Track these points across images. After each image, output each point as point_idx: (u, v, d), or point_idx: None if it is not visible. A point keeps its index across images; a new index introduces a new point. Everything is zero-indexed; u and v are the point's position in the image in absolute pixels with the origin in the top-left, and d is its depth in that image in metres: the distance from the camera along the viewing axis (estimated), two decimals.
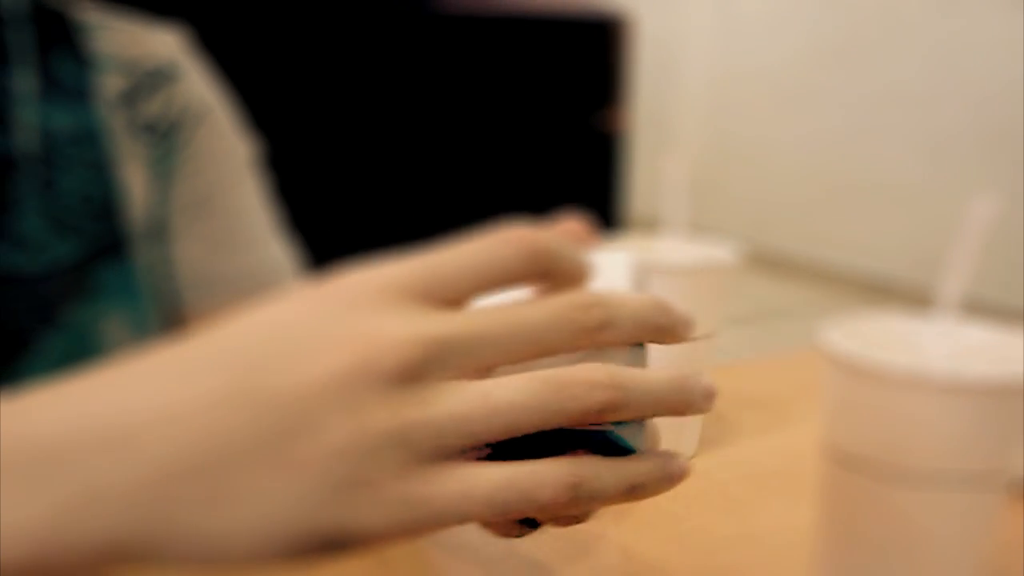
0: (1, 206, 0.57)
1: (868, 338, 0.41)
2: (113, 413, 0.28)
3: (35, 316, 0.58)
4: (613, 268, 0.35)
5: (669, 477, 0.32)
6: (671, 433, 0.36)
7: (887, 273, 3.61)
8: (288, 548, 0.27)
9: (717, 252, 0.59)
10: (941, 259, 0.39)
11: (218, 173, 0.67)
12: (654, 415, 0.32)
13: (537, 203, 1.12)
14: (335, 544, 0.28)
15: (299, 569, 0.28)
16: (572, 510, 0.30)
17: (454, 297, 0.31)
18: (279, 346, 0.29)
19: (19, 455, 0.28)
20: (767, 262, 4.13)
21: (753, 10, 4.12)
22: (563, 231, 0.35)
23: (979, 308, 0.41)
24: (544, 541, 0.51)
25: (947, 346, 0.40)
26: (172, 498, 0.27)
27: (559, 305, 0.30)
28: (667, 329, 0.33)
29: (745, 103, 4.21)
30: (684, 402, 0.32)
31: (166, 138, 0.65)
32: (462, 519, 0.28)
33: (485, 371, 0.30)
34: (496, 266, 0.31)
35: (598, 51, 1.09)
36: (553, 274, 0.32)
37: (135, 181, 0.63)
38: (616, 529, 0.53)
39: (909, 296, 3.15)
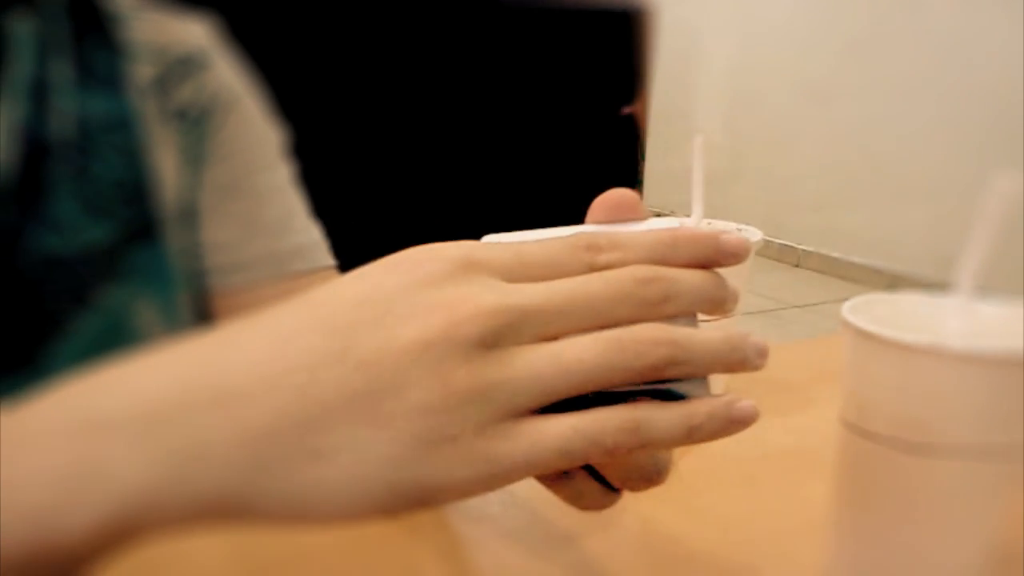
0: (36, 191, 0.58)
1: (889, 314, 0.42)
2: (217, 374, 0.30)
3: (69, 297, 0.59)
4: None
5: (730, 418, 0.33)
6: None
7: (904, 268, 3.60)
8: (376, 502, 0.29)
9: (743, 230, 0.61)
10: (959, 254, 0.40)
11: (249, 157, 0.68)
12: (711, 371, 0.33)
13: (556, 192, 1.12)
14: (420, 498, 0.29)
15: (384, 524, 0.30)
16: (638, 455, 0.33)
17: (531, 280, 0.33)
18: (371, 311, 0.31)
19: (130, 413, 0.29)
20: (783, 255, 4.12)
21: (773, 4, 4.11)
22: (613, 198, 0.37)
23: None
24: (565, 513, 0.52)
25: (965, 322, 0.41)
26: (272, 454, 0.29)
27: (623, 280, 0.33)
28: (720, 302, 0.35)
29: (763, 96, 4.20)
30: (739, 359, 0.34)
31: (197, 124, 0.66)
32: (537, 468, 0.30)
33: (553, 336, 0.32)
34: (574, 268, 0.33)
35: (621, 41, 1.09)
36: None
37: (167, 166, 0.64)
38: (635, 503, 0.54)
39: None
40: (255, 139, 0.69)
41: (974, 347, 0.37)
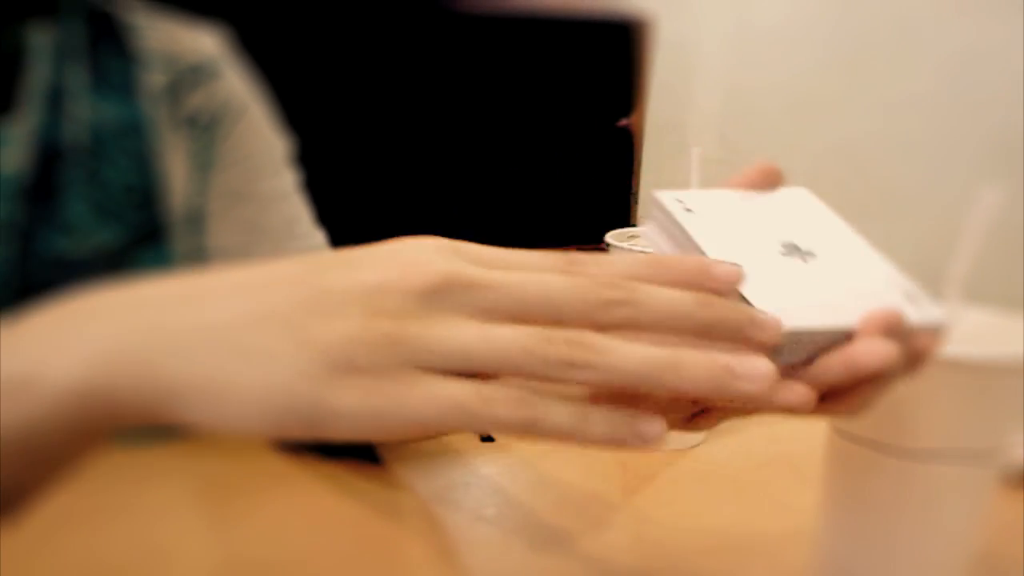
0: (49, 194, 0.60)
1: None
2: (199, 282, 0.34)
3: None
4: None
5: (630, 432, 0.32)
6: None
7: None
8: (276, 414, 0.31)
9: None
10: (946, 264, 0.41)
11: (255, 164, 0.69)
12: (627, 386, 0.32)
13: (552, 202, 1.14)
14: (312, 418, 0.31)
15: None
16: (525, 434, 0.32)
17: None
18: (347, 259, 0.34)
19: (116, 301, 0.33)
20: None
21: (768, 18, 4.13)
22: (758, 170, 0.42)
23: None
24: (557, 516, 0.54)
25: (952, 330, 0.42)
26: (210, 344, 0.32)
27: (585, 281, 0.33)
28: (703, 323, 0.33)
29: (757, 112, 4.22)
30: (659, 382, 0.32)
31: (206, 131, 0.67)
32: (428, 421, 0.31)
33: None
34: (543, 291, 0.33)
35: (619, 53, 1.11)
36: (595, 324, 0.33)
37: (176, 171, 0.66)
38: (628, 507, 0.55)
39: None
40: (262, 147, 0.70)
41: (957, 354, 0.39)
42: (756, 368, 0.31)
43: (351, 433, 0.31)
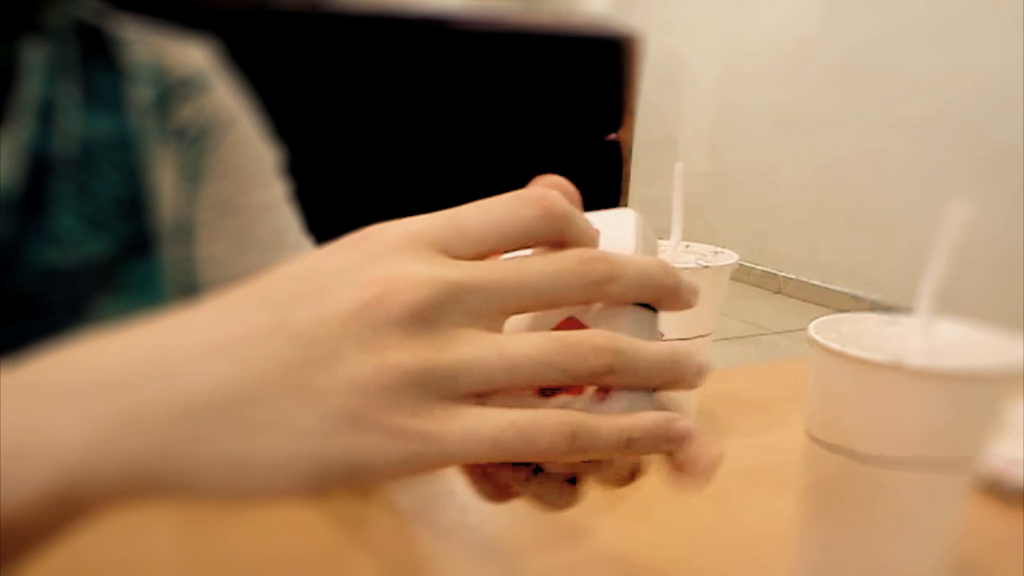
0: (38, 206, 0.60)
1: (852, 333, 0.44)
2: (158, 345, 0.30)
3: (67, 309, 0.61)
4: (621, 225, 0.37)
5: (667, 435, 0.33)
6: None
7: (882, 296, 3.64)
8: (305, 479, 0.29)
9: (719, 253, 0.64)
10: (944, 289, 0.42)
11: (244, 176, 0.70)
12: (650, 385, 0.34)
13: None
14: (347, 475, 0.29)
15: (311, 503, 0.29)
16: (570, 457, 0.31)
17: (475, 251, 0.33)
18: (311, 285, 0.31)
19: (75, 380, 0.29)
20: (764, 282, 4.16)
21: (758, 36, 4.16)
22: (554, 186, 0.36)
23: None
24: (540, 524, 0.54)
25: (924, 341, 0.43)
26: (206, 425, 0.29)
27: (566, 258, 0.33)
28: (672, 290, 0.34)
29: (746, 125, 4.25)
30: (677, 375, 0.34)
31: (195, 143, 0.68)
32: (467, 457, 0.30)
33: (497, 323, 0.32)
34: (516, 224, 0.33)
35: (608, 68, 1.12)
36: (566, 236, 0.34)
37: (164, 183, 0.66)
38: (608, 516, 0.56)
39: None
40: (251, 158, 0.71)
41: (931, 365, 0.40)
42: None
43: (389, 479, 0.30)
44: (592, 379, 0.32)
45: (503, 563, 0.51)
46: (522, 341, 0.31)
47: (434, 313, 0.30)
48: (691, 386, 0.34)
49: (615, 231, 0.37)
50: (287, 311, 0.30)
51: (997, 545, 0.54)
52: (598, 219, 0.37)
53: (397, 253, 0.31)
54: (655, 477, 0.61)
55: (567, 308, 0.34)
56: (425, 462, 0.30)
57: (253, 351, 0.29)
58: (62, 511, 0.29)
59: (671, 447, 0.33)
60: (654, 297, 0.34)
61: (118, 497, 0.29)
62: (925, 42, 3.49)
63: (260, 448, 0.29)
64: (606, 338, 0.32)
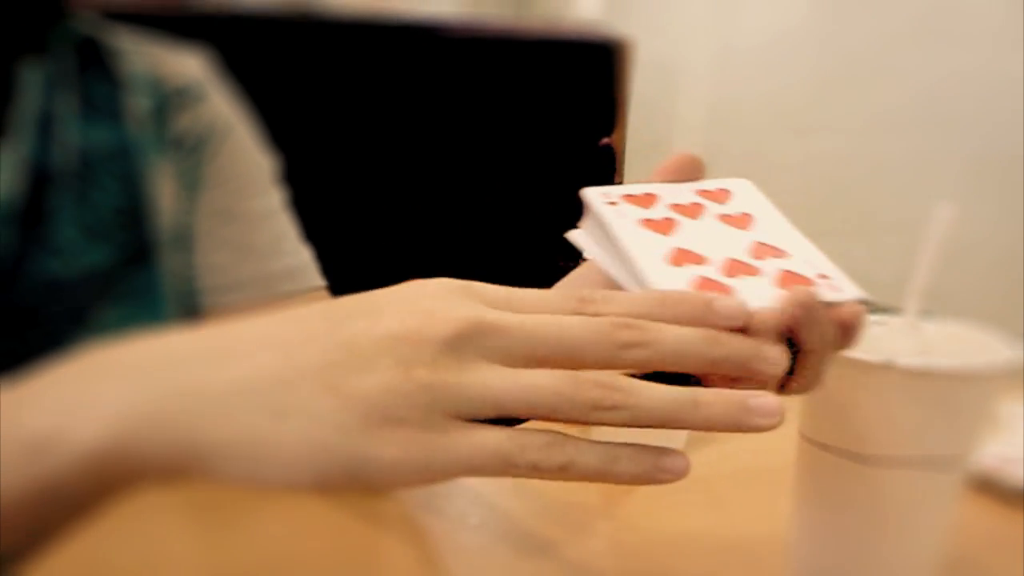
0: (39, 217, 0.61)
1: None
2: (223, 337, 0.35)
3: (68, 318, 0.62)
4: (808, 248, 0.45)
5: (656, 467, 0.34)
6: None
7: (877, 297, 3.65)
8: (318, 470, 0.32)
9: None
10: (932, 288, 0.43)
11: (242, 184, 0.71)
12: (652, 425, 0.34)
13: (533, 222, 1.15)
14: (357, 473, 0.32)
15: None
16: (561, 476, 0.33)
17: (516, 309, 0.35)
18: (368, 306, 0.35)
19: (138, 359, 0.34)
20: None
21: (750, 38, 4.17)
22: (679, 161, 0.44)
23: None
24: (541, 524, 0.55)
25: (913, 341, 0.44)
26: (242, 406, 0.32)
27: (600, 321, 0.34)
28: (713, 360, 0.34)
29: (740, 130, 4.26)
30: (681, 420, 0.34)
31: (193, 152, 0.68)
32: (470, 470, 0.32)
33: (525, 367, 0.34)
34: (564, 335, 0.34)
35: (600, 72, 1.13)
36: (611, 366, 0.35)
37: (163, 192, 0.67)
38: (609, 516, 0.56)
39: None
40: (248, 166, 0.72)
41: (921, 364, 0.41)
42: (769, 404, 0.33)
43: (394, 483, 0.32)
44: (596, 415, 0.33)
45: (503, 561, 0.51)
46: (535, 373, 0.33)
47: (463, 343, 0.33)
48: (695, 429, 0.34)
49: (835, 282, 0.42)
50: (340, 323, 0.34)
51: (990, 543, 0.54)
52: (712, 186, 0.44)
53: (449, 296, 0.35)
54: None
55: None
56: (430, 470, 0.32)
57: (300, 349, 0.33)
58: (100, 479, 0.32)
59: (661, 480, 0.34)
60: (690, 367, 0.35)
61: (151, 473, 0.32)
62: (916, 44, 3.50)
63: (282, 434, 0.31)
64: (615, 376, 0.34)
